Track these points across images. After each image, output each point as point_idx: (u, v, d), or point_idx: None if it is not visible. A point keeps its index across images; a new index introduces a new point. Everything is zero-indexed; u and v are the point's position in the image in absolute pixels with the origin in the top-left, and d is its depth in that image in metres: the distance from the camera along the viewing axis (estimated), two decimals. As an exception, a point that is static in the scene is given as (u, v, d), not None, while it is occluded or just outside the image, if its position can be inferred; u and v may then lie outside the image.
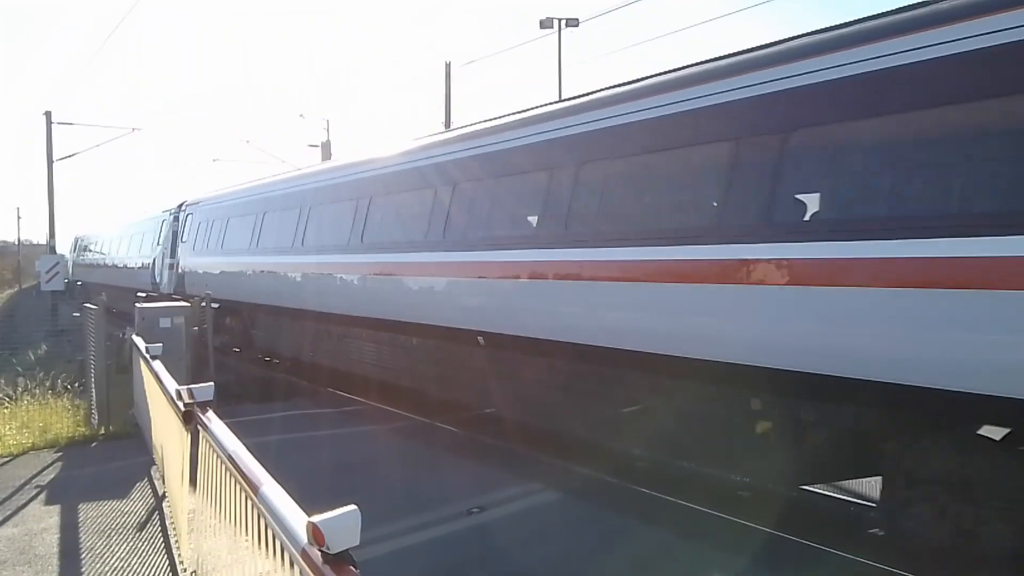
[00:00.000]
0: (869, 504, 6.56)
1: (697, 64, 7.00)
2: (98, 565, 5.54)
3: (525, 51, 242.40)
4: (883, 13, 5.56)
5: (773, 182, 5.73)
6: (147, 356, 7.62)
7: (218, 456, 3.73)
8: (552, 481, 7.44)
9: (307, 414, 11.27)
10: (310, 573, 2.09)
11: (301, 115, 57.20)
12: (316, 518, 2.04)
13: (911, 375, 4.81)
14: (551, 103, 8.78)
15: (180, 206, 20.66)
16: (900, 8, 5.46)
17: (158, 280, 21.49)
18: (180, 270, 19.27)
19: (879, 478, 5.70)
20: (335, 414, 11.14)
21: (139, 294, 17.60)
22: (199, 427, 4.39)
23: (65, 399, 11.15)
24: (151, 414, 7.80)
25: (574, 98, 8.45)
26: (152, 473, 7.83)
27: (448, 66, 25.76)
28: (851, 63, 5.37)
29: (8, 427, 9.78)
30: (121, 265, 28.09)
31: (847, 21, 5.82)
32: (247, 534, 3.06)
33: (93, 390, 10.50)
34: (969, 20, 4.77)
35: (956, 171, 4.91)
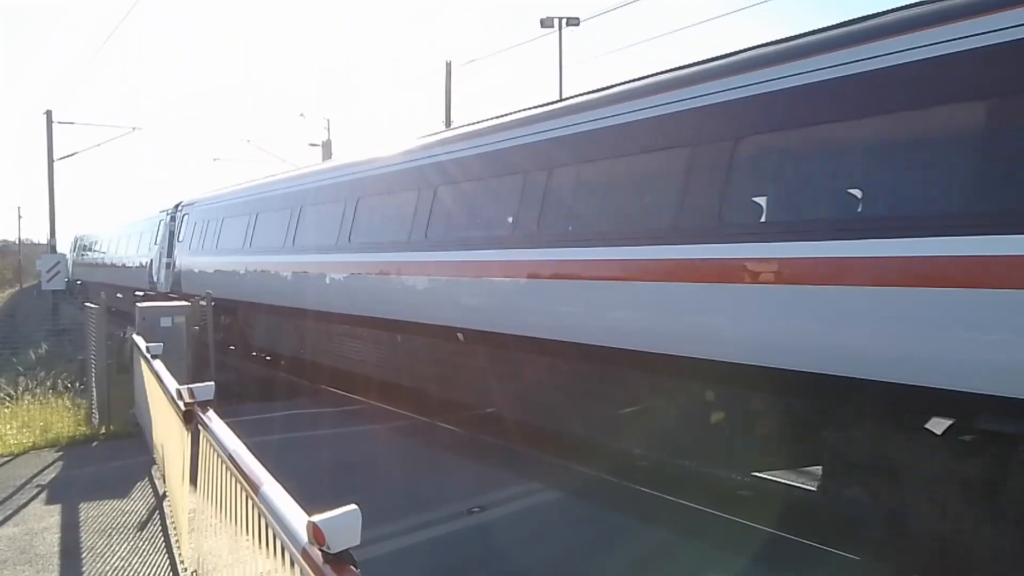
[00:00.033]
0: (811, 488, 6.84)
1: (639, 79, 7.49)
2: (99, 564, 5.55)
3: (525, 50, 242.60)
4: (807, 32, 6.11)
5: (721, 187, 6.06)
6: (148, 355, 7.63)
7: (219, 455, 3.73)
8: (552, 480, 7.45)
9: (307, 413, 11.29)
10: (311, 573, 2.09)
11: (302, 114, 57.14)
12: (317, 518, 2.04)
13: (835, 366, 5.16)
14: (519, 111, 9.18)
15: (177, 206, 20.92)
16: (820, 29, 5.99)
17: (155, 279, 21.73)
18: (176, 269, 19.56)
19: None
20: (335, 413, 11.15)
21: (136, 293, 17.72)
22: (200, 426, 4.39)
23: (66, 398, 11.16)
24: (152, 413, 7.81)
25: (540, 105, 8.84)
26: (153, 472, 7.84)
27: (449, 65, 25.80)
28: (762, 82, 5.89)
29: (9, 426, 9.78)
30: (120, 264, 28.22)
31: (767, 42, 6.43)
32: (248, 533, 3.07)
33: (94, 389, 10.51)
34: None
35: (866, 179, 5.40)
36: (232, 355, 16.23)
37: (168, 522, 6.33)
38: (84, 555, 5.74)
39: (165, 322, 11.09)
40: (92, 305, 11.25)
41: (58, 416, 10.27)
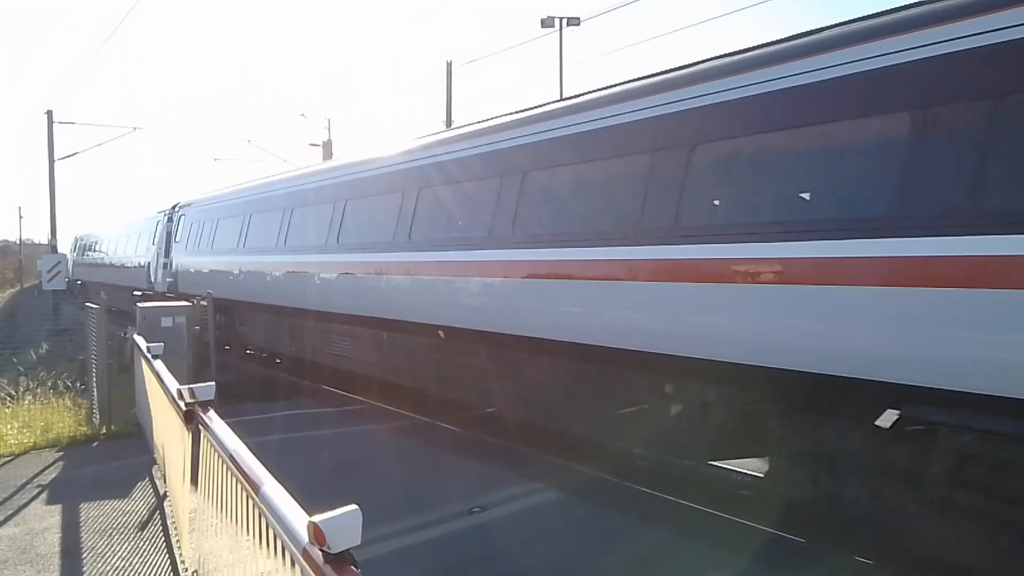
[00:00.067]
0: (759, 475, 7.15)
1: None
2: (99, 564, 5.55)
3: (526, 50, 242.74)
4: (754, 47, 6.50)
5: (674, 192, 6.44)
6: (148, 355, 7.63)
7: (219, 455, 3.73)
8: (553, 480, 7.45)
9: (307, 413, 11.30)
10: (311, 573, 2.10)
11: (302, 114, 56.87)
12: (317, 518, 2.04)
13: (772, 359, 5.54)
14: (496, 117, 9.54)
15: (174, 207, 21.18)
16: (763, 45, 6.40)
17: (153, 279, 21.93)
18: (173, 269, 19.84)
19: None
20: (335, 413, 11.16)
21: (135, 293, 17.81)
22: (200, 426, 4.39)
23: (66, 398, 11.18)
24: (152, 413, 7.81)
25: (514, 112, 9.15)
26: (153, 472, 7.84)
27: (449, 65, 25.79)
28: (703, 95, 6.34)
29: (10, 426, 9.79)
30: (119, 264, 28.32)
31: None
32: (248, 533, 3.07)
33: (95, 389, 10.51)
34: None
35: (796, 186, 5.85)
36: (231, 355, 16.33)
37: (169, 522, 6.33)
38: (85, 555, 5.75)
39: (166, 322, 11.10)
40: (93, 305, 11.25)
41: (59, 416, 10.27)
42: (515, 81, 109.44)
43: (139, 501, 7.02)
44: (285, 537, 2.39)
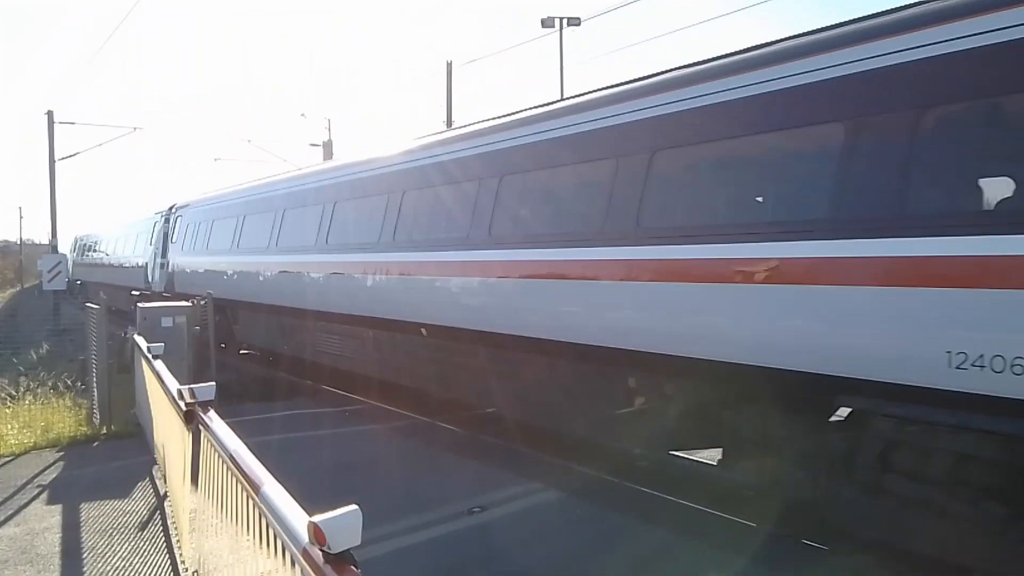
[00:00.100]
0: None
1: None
2: (100, 564, 5.56)
3: (526, 50, 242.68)
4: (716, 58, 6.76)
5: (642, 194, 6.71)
6: (149, 355, 7.63)
7: (219, 456, 3.73)
8: (552, 480, 7.45)
9: (307, 413, 11.30)
10: (311, 573, 2.10)
11: (303, 114, 56.90)
12: (317, 518, 2.05)
13: (726, 352, 5.83)
14: (474, 123, 10.00)
15: (171, 208, 21.39)
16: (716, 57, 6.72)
17: (151, 279, 22.08)
18: (170, 269, 20.05)
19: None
20: (335, 413, 11.16)
21: (133, 292, 17.89)
22: (200, 427, 4.40)
23: (67, 399, 11.18)
24: (153, 413, 7.82)
25: (491, 119, 9.55)
26: (154, 473, 7.85)
27: (449, 65, 25.81)
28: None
29: (10, 426, 9.80)
30: (118, 265, 28.40)
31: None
32: (248, 534, 3.07)
33: (95, 389, 10.52)
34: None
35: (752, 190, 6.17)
36: (229, 354, 16.40)
37: (169, 522, 6.34)
38: (85, 555, 5.75)
39: (166, 322, 11.10)
40: (93, 305, 11.26)
41: (59, 416, 10.28)
42: (515, 81, 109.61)
43: (139, 501, 7.03)
44: (285, 537, 2.39)
